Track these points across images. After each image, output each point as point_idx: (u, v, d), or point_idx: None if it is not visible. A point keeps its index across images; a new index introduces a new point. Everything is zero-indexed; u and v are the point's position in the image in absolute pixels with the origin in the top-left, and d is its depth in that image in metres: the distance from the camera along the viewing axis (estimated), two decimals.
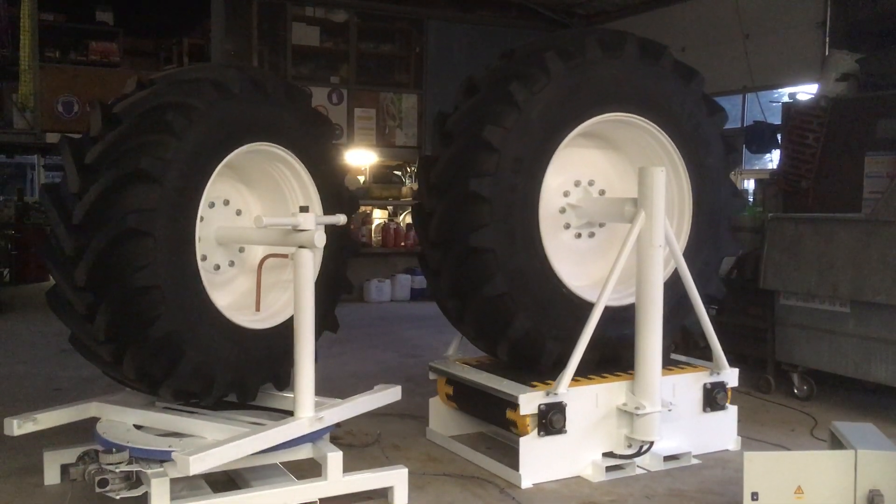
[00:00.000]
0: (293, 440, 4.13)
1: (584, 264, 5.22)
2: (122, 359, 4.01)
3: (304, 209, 4.10)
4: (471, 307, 4.82)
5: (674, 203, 5.08)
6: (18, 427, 4.36)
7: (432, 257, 4.96)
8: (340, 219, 4.41)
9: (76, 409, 4.55)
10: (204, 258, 4.40)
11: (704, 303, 5.11)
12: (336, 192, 4.78)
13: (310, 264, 4.08)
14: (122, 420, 4.38)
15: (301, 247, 4.05)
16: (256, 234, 4.34)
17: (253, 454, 4.03)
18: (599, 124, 4.90)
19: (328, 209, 4.62)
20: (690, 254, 5.11)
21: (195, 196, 3.98)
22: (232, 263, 4.59)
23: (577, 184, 5.21)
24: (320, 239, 4.01)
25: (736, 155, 5.38)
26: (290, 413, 4.24)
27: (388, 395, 4.79)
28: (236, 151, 4.17)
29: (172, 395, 4.22)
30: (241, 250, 4.63)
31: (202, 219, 4.37)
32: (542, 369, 4.81)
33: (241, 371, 4.28)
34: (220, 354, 4.14)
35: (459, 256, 4.71)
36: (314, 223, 4.05)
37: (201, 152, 3.97)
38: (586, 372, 4.80)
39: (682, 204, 5.15)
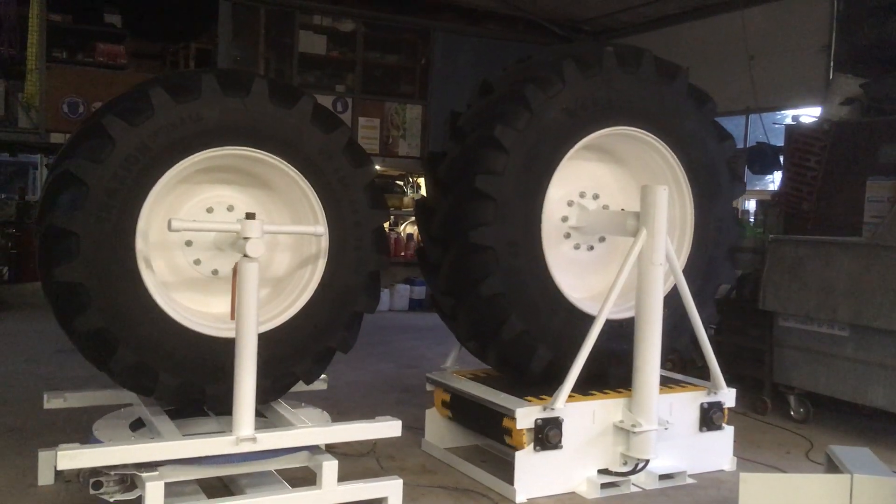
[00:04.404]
0: (230, 456, 3.98)
1: (582, 275, 5.21)
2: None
3: (249, 216, 3.97)
4: (465, 305, 4.81)
5: (666, 176, 5.09)
6: (47, 402, 4.75)
7: (432, 252, 4.96)
8: (317, 230, 4.24)
9: (104, 394, 4.87)
10: (197, 262, 4.39)
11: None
12: (351, 199, 4.45)
13: (251, 275, 3.90)
14: (138, 415, 4.45)
15: (244, 255, 3.92)
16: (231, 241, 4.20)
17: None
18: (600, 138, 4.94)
19: (336, 218, 4.41)
20: (702, 213, 5.20)
21: (133, 198, 3.96)
22: None
23: (570, 203, 5.18)
24: (254, 248, 3.87)
25: (713, 104, 5.30)
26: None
27: (382, 428, 4.39)
28: (198, 156, 4.09)
29: (130, 390, 4.29)
30: None
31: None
32: (531, 375, 4.80)
33: (198, 377, 4.17)
34: (168, 358, 4.08)
35: (459, 253, 4.70)
36: (260, 231, 3.90)
37: (142, 156, 3.97)
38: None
39: (674, 174, 5.13)
